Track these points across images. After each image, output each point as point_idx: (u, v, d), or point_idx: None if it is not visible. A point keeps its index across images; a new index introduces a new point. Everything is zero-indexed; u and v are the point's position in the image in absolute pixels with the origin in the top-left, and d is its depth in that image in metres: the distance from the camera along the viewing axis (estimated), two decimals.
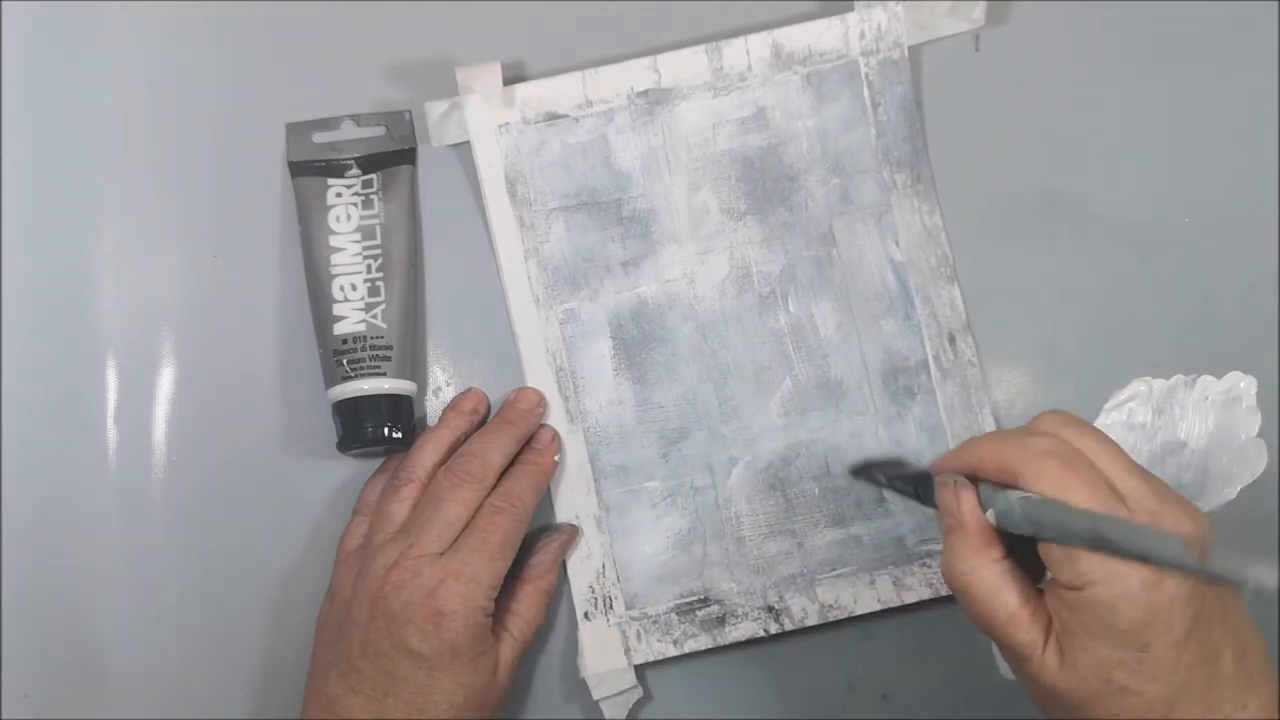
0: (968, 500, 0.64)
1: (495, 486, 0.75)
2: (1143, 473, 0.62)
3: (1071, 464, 0.61)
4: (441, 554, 0.71)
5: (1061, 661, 0.60)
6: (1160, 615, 0.58)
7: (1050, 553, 0.60)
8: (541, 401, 0.79)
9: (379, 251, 0.78)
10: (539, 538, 0.77)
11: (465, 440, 0.77)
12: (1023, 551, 0.63)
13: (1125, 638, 0.58)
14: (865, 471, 0.76)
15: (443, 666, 0.70)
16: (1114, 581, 0.58)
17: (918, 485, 0.70)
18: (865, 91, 0.80)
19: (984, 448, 0.65)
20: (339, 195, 0.79)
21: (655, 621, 0.78)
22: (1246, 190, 0.82)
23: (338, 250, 0.78)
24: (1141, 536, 0.57)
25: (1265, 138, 0.82)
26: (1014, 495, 0.61)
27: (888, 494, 0.78)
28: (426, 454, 0.76)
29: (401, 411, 0.77)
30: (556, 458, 0.78)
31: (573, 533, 0.78)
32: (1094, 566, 0.58)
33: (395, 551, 0.71)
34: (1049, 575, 0.62)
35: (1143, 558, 0.56)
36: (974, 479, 0.65)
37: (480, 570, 0.71)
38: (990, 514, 0.63)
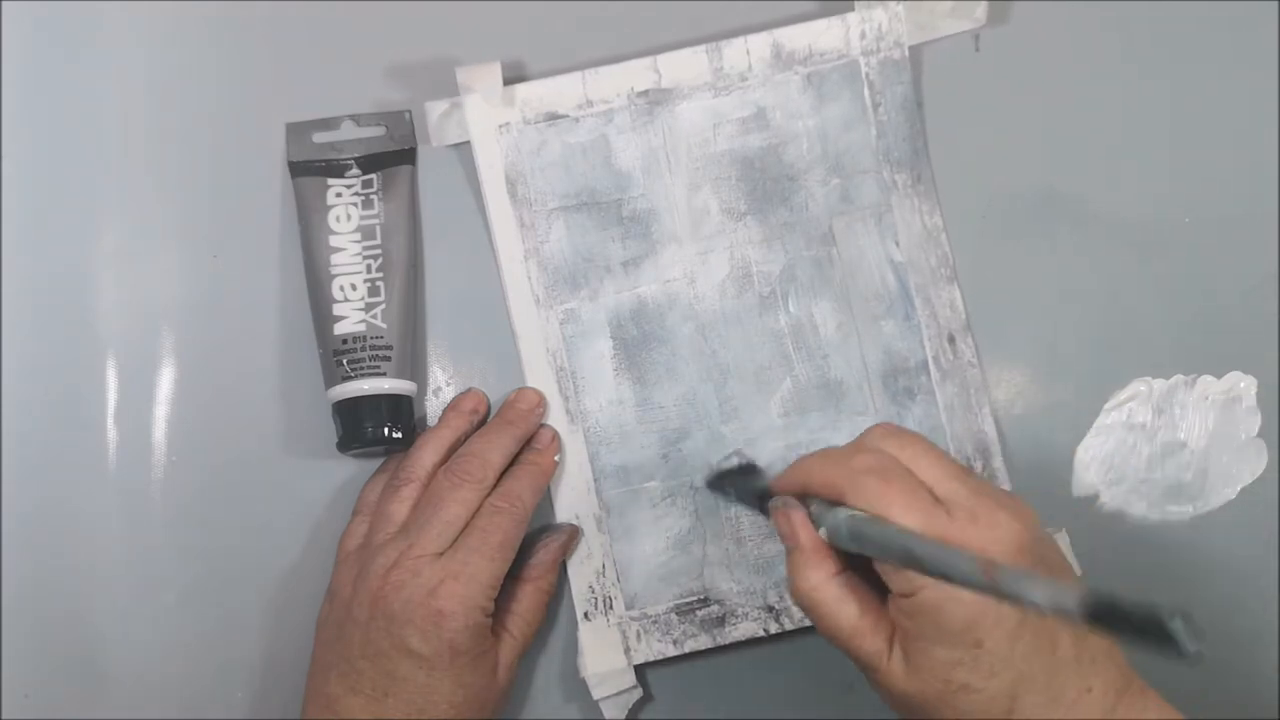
0: (798, 520, 0.66)
1: (495, 486, 0.75)
2: (964, 475, 0.64)
3: (889, 478, 0.62)
4: (441, 554, 0.71)
5: (906, 668, 0.62)
6: (988, 611, 0.59)
7: (881, 564, 0.62)
8: (541, 401, 0.79)
9: (379, 251, 0.78)
10: (539, 538, 0.77)
11: (465, 440, 0.77)
12: (865, 563, 0.64)
13: (958, 637, 0.60)
14: (717, 483, 0.77)
15: (443, 666, 0.70)
16: (941, 585, 0.59)
17: (762, 500, 0.71)
18: (866, 91, 0.80)
19: (811, 467, 0.66)
20: (339, 195, 0.79)
21: (655, 621, 0.78)
22: (1246, 190, 0.82)
23: (338, 250, 0.78)
24: (942, 555, 0.58)
25: (1265, 138, 0.82)
26: (841, 513, 0.63)
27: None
28: (426, 454, 0.76)
29: (401, 411, 0.77)
30: (556, 458, 0.78)
31: (573, 532, 0.78)
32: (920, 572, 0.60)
33: (395, 551, 0.71)
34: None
35: (943, 576, 0.57)
36: (807, 496, 0.67)
37: (480, 570, 0.71)
38: (820, 532, 0.65)
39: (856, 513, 0.62)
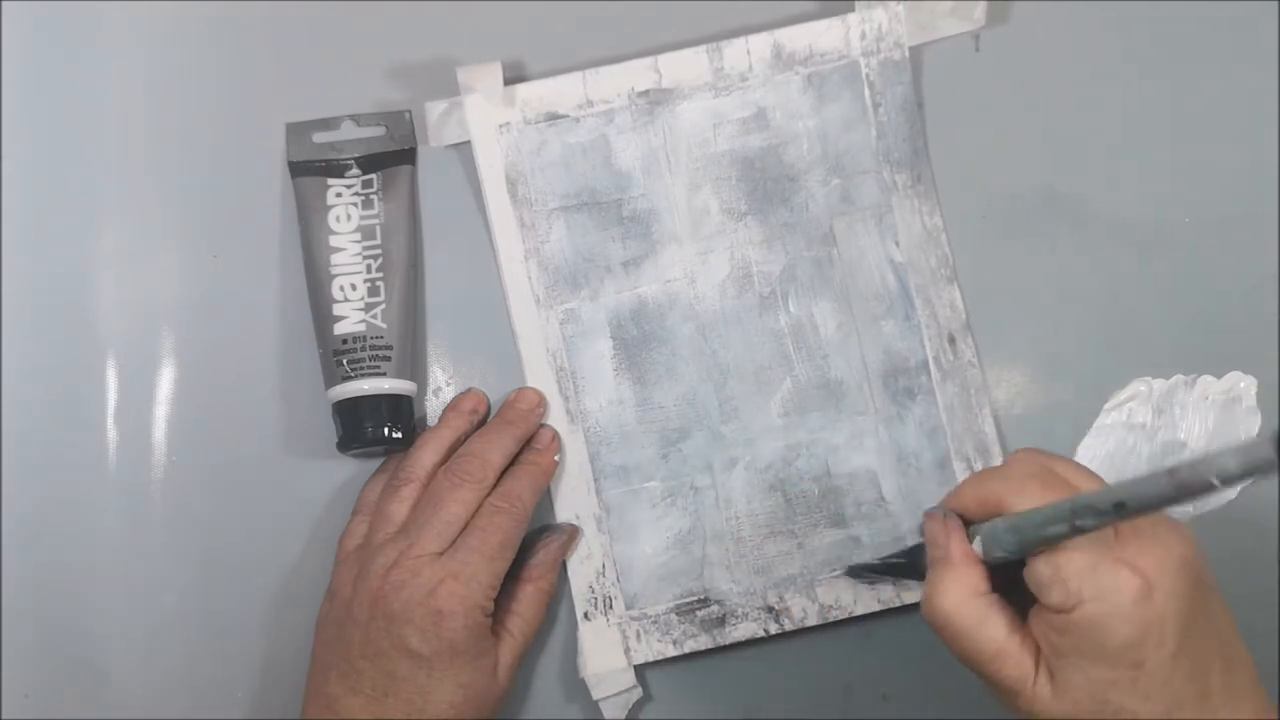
0: (956, 530, 0.64)
1: (495, 486, 0.75)
2: None
3: (1051, 484, 0.61)
4: (441, 554, 0.71)
5: (1054, 690, 0.60)
6: (1152, 630, 0.57)
7: (1039, 578, 0.60)
8: (542, 401, 0.79)
9: (379, 251, 0.78)
10: (539, 538, 0.77)
11: (465, 440, 0.77)
12: (1007, 588, 0.63)
13: (1119, 655, 0.58)
14: (858, 570, 0.77)
15: (442, 666, 0.70)
16: (1105, 599, 0.57)
17: (912, 554, 0.71)
18: (866, 92, 0.80)
19: (963, 488, 0.66)
20: (339, 195, 0.79)
21: (655, 621, 0.78)
22: (1246, 190, 0.82)
23: (338, 250, 0.78)
24: (1116, 488, 0.56)
25: (1265, 138, 0.82)
26: (1000, 522, 0.62)
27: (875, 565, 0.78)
28: (426, 454, 0.76)
29: (401, 411, 0.77)
30: (556, 458, 0.78)
31: (573, 532, 0.78)
32: (1084, 584, 0.58)
33: (395, 551, 0.71)
34: (1034, 607, 0.61)
35: (1119, 506, 0.55)
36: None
37: (479, 570, 0.71)
38: (974, 544, 0.63)
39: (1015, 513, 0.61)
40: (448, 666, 0.70)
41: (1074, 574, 0.58)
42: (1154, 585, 0.57)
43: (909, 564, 0.73)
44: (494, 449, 0.75)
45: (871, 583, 0.78)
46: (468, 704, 0.71)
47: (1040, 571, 0.59)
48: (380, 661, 0.70)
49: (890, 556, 0.76)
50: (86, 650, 0.78)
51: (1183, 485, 0.53)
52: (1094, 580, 0.57)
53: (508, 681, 0.74)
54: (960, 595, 0.62)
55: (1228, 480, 0.51)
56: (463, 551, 0.71)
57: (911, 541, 0.76)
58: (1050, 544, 0.59)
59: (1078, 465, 0.63)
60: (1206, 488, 0.52)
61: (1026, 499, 0.61)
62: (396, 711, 0.70)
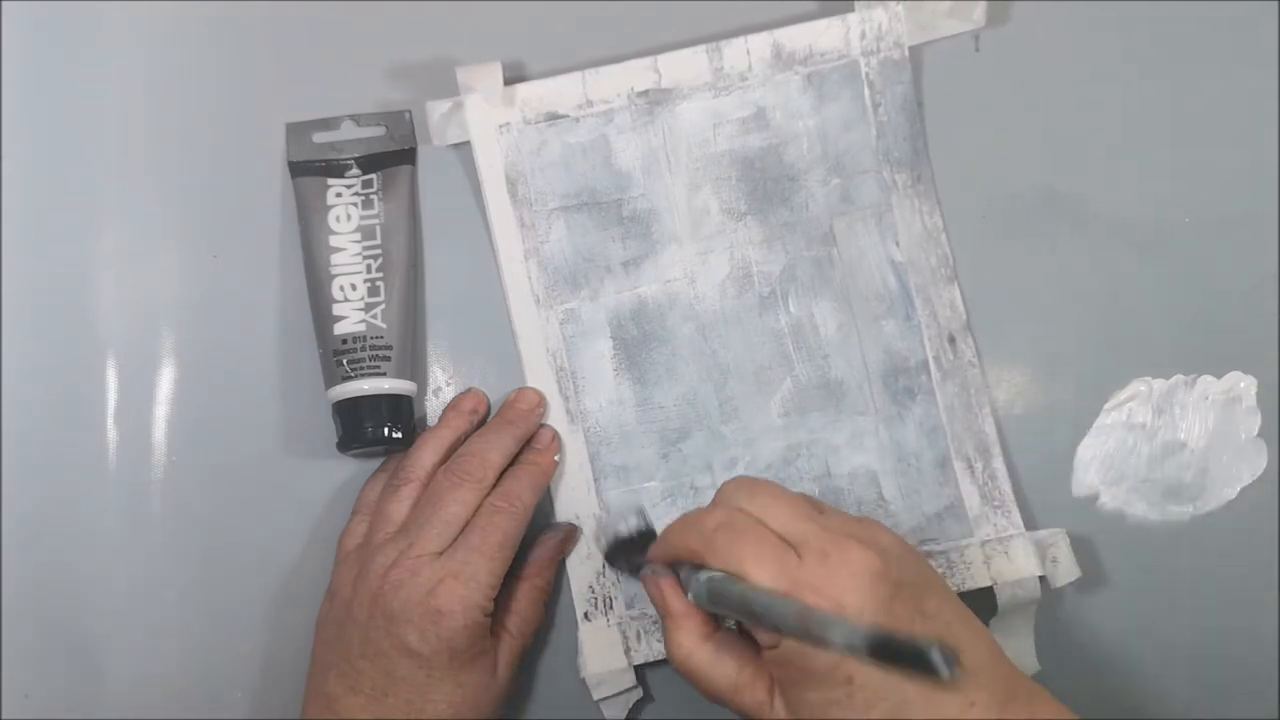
0: (667, 588, 0.68)
1: (495, 486, 0.75)
2: (812, 514, 0.65)
3: (738, 532, 0.64)
4: (441, 553, 0.71)
5: (788, 714, 0.64)
6: None
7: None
8: (541, 401, 0.79)
9: (379, 251, 0.78)
10: (537, 535, 0.77)
11: (465, 440, 0.77)
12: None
13: (827, 678, 0.61)
14: (614, 555, 0.77)
15: (441, 666, 0.70)
16: None
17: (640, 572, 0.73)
18: (866, 92, 0.80)
19: (670, 534, 0.68)
20: (339, 195, 0.79)
21: (655, 622, 0.78)
22: (1246, 190, 0.82)
23: (338, 250, 0.78)
24: (770, 606, 0.60)
25: (1265, 138, 0.82)
26: (701, 576, 0.65)
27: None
28: (426, 454, 0.76)
29: (401, 411, 0.77)
30: (556, 457, 0.78)
31: (570, 531, 0.78)
32: None
33: (395, 551, 0.71)
34: None
35: (774, 628, 0.60)
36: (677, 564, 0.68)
37: (479, 570, 0.71)
38: (690, 596, 0.66)
39: (714, 574, 0.63)
40: (447, 666, 0.70)
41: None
42: (843, 605, 0.60)
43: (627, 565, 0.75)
44: (494, 449, 0.75)
45: (622, 572, 0.78)
46: (467, 704, 0.71)
47: None
48: (379, 661, 0.70)
49: (637, 566, 0.74)
50: (86, 650, 0.78)
51: (807, 632, 0.57)
52: None
53: (507, 681, 0.74)
54: (690, 644, 0.67)
55: (834, 648, 0.55)
56: (462, 551, 0.71)
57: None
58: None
59: (774, 495, 0.66)
60: (821, 643, 0.56)
61: (718, 557, 0.64)
62: (396, 711, 0.70)
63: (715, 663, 0.66)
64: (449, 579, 0.70)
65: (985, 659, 0.63)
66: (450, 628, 0.69)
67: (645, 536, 0.74)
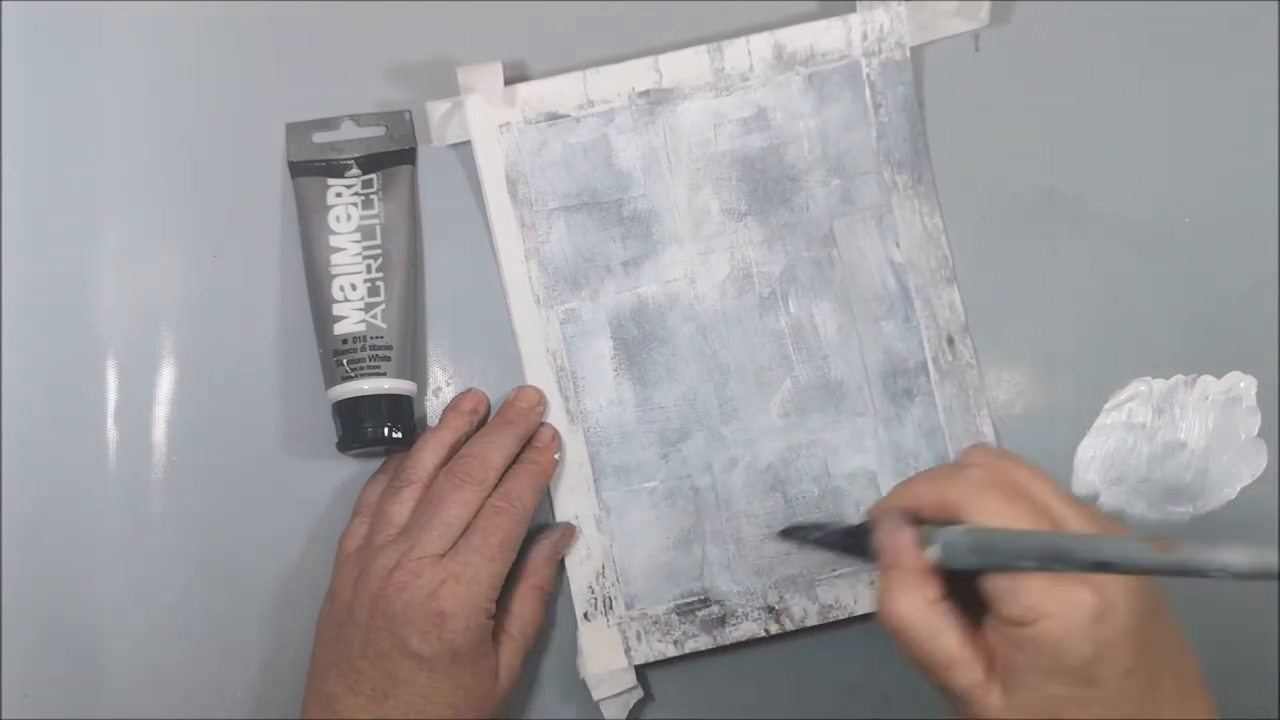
0: (906, 539, 0.63)
1: (496, 486, 0.75)
2: (1076, 502, 0.62)
3: (1012, 494, 0.61)
4: (443, 555, 0.71)
5: (1006, 701, 0.60)
6: (1108, 650, 0.57)
7: (996, 588, 0.59)
8: (542, 400, 0.79)
9: (379, 251, 0.78)
10: (535, 535, 0.77)
11: (466, 440, 0.77)
12: (959, 594, 0.62)
13: (1074, 674, 0.58)
14: (795, 533, 0.76)
15: (443, 668, 0.70)
16: (1064, 617, 0.57)
17: (852, 535, 0.70)
18: (867, 92, 0.80)
19: (919, 487, 0.65)
20: (339, 195, 0.78)
21: (655, 622, 0.78)
22: (1246, 190, 0.82)
23: (338, 250, 0.78)
24: (1100, 544, 0.56)
25: (1265, 138, 0.82)
26: (958, 529, 0.61)
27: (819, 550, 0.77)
28: (427, 455, 0.76)
29: (401, 411, 0.77)
30: (557, 456, 0.78)
31: (568, 530, 0.78)
32: (1043, 600, 0.57)
33: (396, 553, 0.71)
34: (990, 618, 0.61)
35: (1102, 565, 0.56)
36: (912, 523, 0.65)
37: (480, 571, 0.71)
38: (930, 552, 0.62)
39: (976, 526, 0.60)
40: (448, 668, 0.70)
41: (1033, 589, 0.58)
42: (1112, 605, 0.57)
43: (853, 544, 0.71)
44: (494, 449, 0.75)
45: (807, 544, 0.76)
46: (468, 705, 0.71)
47: (999, 584, 0.59)
48: (381, 662, 0.70)
49: (832, 531, 0.73)
50: (86, 650, 0.78)
51: (1175, 565, 0.53)
52: (1053, 597, 0.57)
53: (509, 683, 0.74)
54: (914, 605, 0.62)
55: (1228, 576, 0.52)
56: (464, 553, 0.71)
57: (855, 521, 0.73)
58: (1013, 572, 0.59)
59: (1035, 473, 0.63)
60: (1199, 574, 0.52)
61: (988, 512, 0.60)
62: (396, 712, 0.70)
63: (938, 631, 0.61)
64: (451, 581, 0.70)
65: (1196, 680, 0.62)
66: (452, 629, 0.69)
67: (822, 523, 0.75)
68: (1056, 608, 0.57)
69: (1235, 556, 0.51)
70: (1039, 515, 0.60)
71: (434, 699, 0.70)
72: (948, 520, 0.62)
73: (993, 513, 0.60)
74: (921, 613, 0.62)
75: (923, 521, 0.64)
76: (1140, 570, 0.55)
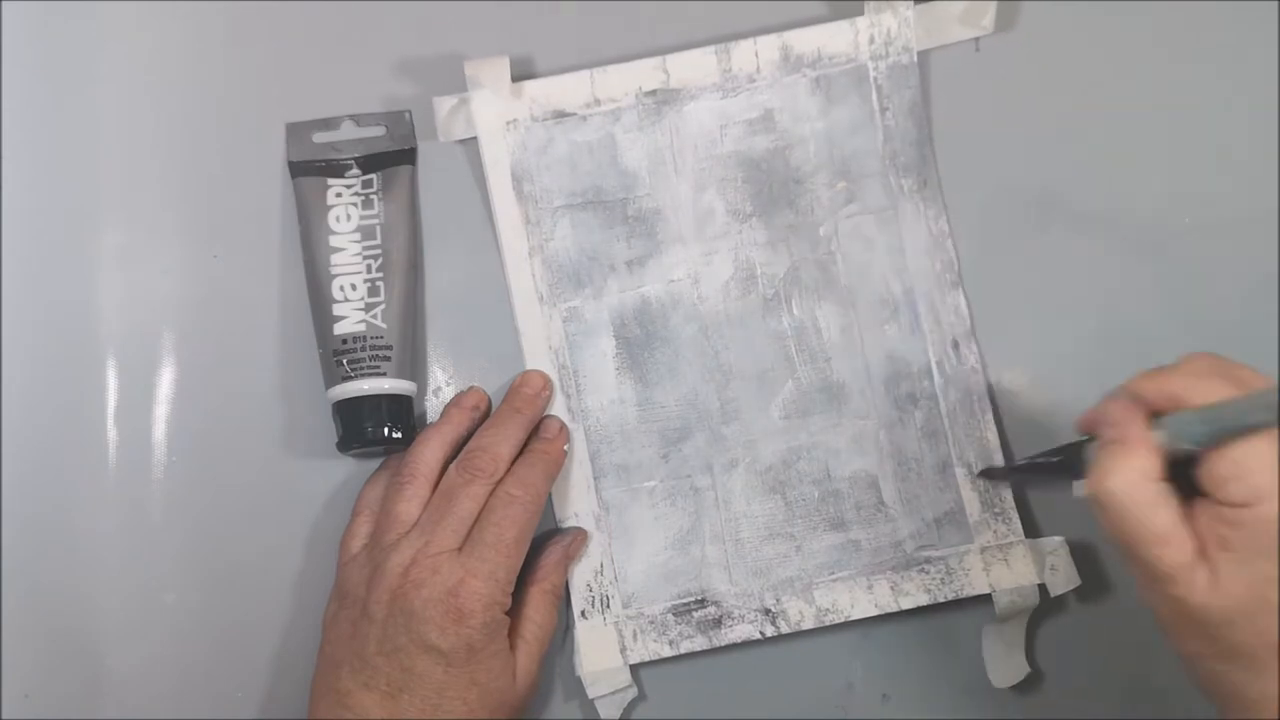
0: (1139, 414, 0.63)
1: (506, 474, 0.75)
2: None
3: (1237, 385, 0.61)
4: (458, 549, 0.71)
5: (1212, 581, 0.60)
6: None
7: (1219, 472, 0.60)
8: (547, 384, 0.79)
9: (379, 251, 0.77)
10: (545, 540, 0.78)
11: (467, 436, 0.77)
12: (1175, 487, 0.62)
13: None
14: (995, 471, 0.77)
15: (459, 663, 0.70)
16: None
17: (1067, 452, 0.70)
18: (873, 95, 0.80)
19: (1142, 381, 0.64)
20: (339, 195, 0.78)
21: (652, 621, 0.78)
22: (1246, 190, 0.82)
23: (338, 250, 0.77)
24: None
25: (1265, 138, 0.82)
26: (1186, 411, 0.61)
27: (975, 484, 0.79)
28: (428, 450, 0.76)
29: (401, 411, 0.77)
30: (566, 447, 0.78)
31: (579, 535, 0.78)
32: (1267, 481, 0.58)
33: (411, 549, 0.72)
34: (1200, 502, 0.61)
35: None
36: None
37: (497, 566, 0.71)
38: (1156, 435, 0.62)
39: (1206, 404, 0.60)
40: (464, 663, 0.70)
41: (1258, 470, 0.58)
42: None
43: (1062, 462, 0.71)
44: (504, 442, 0.75)
45: (1012, 471, 0.77)
46: (483, 704, 0.71)
47: (1219, 467, 0.60)
48: (397, 658, 0.70)
49: (1040, 455, 0.74)
50: (86, 650, 0.78)
51: None
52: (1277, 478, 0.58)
53: (527, 687, 0.74)
54: (1134, 475, 0.61)
55: None
56: (480, 547, 0.71)
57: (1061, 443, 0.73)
58: (1245, 433, 0.59)
59: (1255, 371, 0.63)
60: None
61: (1213, 396, 0.60)
62: (411, 708, 0.70)
63: (1155, 504, 0.61)
64: (469, 577, 0.70)
65: None
66: (470, 624, 0.70)
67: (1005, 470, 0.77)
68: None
69: None
70: None
71: (449, 694, 0.70)
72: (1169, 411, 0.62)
73: (1220, 397, 0.60)
74: (1140, 484, 0.61)
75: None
76: None
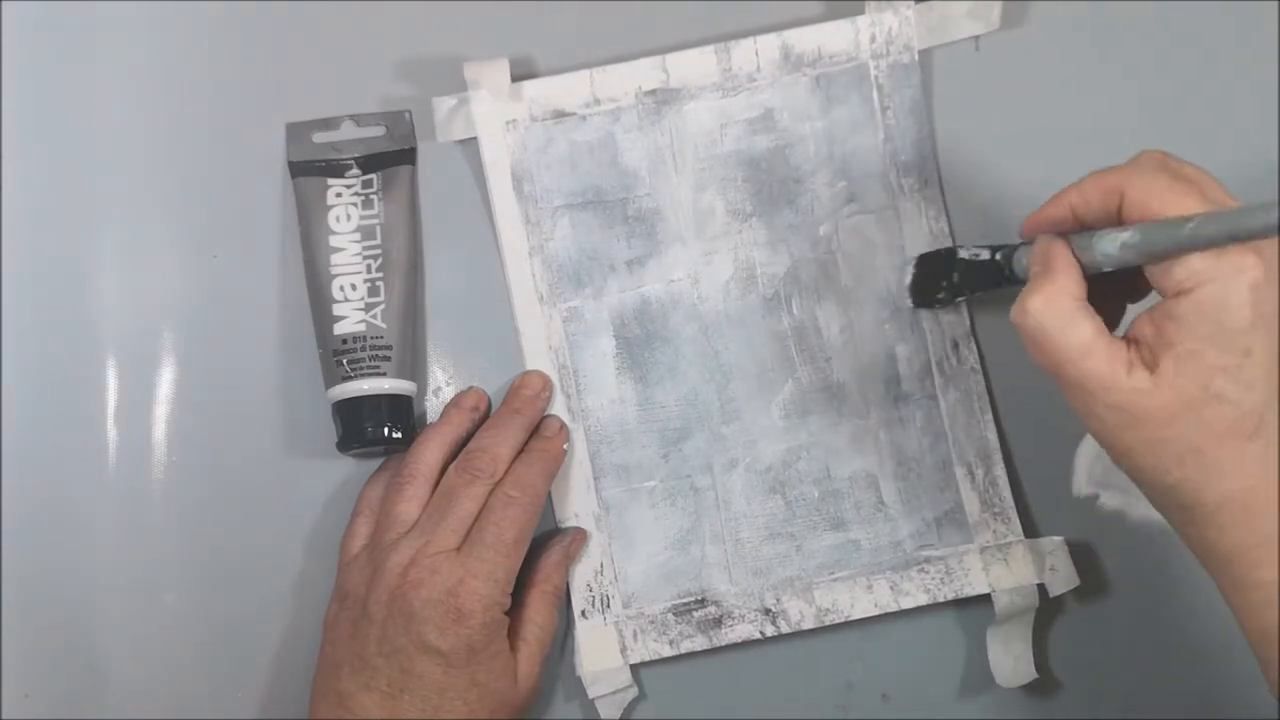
0: (1058, 247, 0.64)
1: (505, 475, 0.75)
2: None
3: (1180, 180, 0.61)
4: (458, 550, 0.71)
5: (1153, 379, 0.60)
6: (1264, 320, 0.58)
7: (1156, 267, 0.60)
8: (547, 384, 0.79)
9: (379, 251, 0.77)
10: (545, 541, 0.78)
11: (466, 437, 0.77)
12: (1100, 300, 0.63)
13: (1232, 340, 0.58)
14: (930, 259, 0.78)
15: (459, 664, 0.70)
16: (1228, 280, 0.57)
17: (1001, 250, 0.71)
18: (874, 95, 0.79)
19: (1085, 181, 0.64)
20: (339, 195, 0.78)
21: (652, 621, 0.78)
22: (1246, 190, 0.81)
23: (338, 250, 0.77)
24: (1259, 212, 0.55)
25: (1265, 138, 0.82)
26: (1118, 229, 0.61)
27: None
28: (428, 450, 0.76)
29: (401, 411, 0.77)
30: (566, 447, 0.78)
31: (578, 535, 0.78)
32: (1207, 265, 0.58)
33: (411, 549, 0.72)
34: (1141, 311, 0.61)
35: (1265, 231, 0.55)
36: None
37: (497, 567, 0.71)
38: (1083, 253, 0.63)
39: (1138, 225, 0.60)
40: (464, 664, 0.70)
41: (1196, 256, 0.58)
42: (1275, 273, 0.58)
43: (997, 263, 0.72)
44: (504, 442, 0.75)
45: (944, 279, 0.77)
46: (484, 705, 0.71)
47: (1158, 265, 0.60)
48: (397, 658, 0.70)
49: (979, 246, 0.74)
50: (86, 650, 0.78)
51: None
52: (1219, 261, 0.58)
53: (528, 689, 0.75)
54: (1052, 295, 0.62)
55: None
56: (479, 547, 0.71)
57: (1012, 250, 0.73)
58: (1182, 250, 0.59)
59: (1206, 174, 0.63)
60: None
61: (1153, 193, 0.60)
62: (411, 709, 0.70)
63: (1073, 320, 0.62)
64: (469, 577, 0.70)
65: None
66: (470, 625, 0.70)
67: (948, 253, 0.76)
68: (1221, 271, 0.58)
69: None
70: (1206, 202, 0.60)
71: (449, 695, 0.70)
72: (1112, 210, 0.62)
73: (1158, 194, 0.60)
74: (1057, 302, 0.62)
75: (1086, 226, 0.64)
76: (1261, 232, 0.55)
